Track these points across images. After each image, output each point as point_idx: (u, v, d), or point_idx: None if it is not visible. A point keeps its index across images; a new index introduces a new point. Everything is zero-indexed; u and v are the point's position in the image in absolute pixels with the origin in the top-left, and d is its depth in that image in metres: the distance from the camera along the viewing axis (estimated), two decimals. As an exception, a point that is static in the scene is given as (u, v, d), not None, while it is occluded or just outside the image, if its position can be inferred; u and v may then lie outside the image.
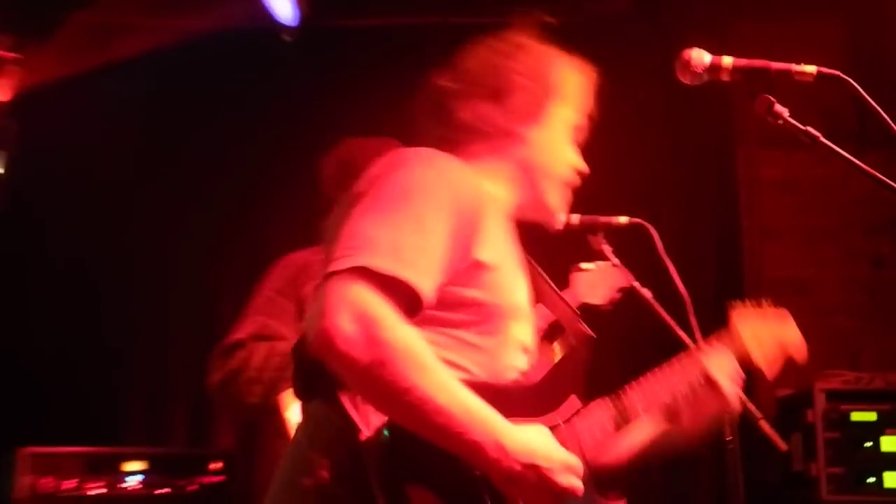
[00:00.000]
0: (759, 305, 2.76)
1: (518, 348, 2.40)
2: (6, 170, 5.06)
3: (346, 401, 2.16)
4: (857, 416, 4.58)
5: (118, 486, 4.58)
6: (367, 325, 2.06)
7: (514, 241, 2.52)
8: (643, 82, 4.77)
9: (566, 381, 2.47)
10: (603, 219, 3.11)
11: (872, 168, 2.11)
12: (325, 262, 2.17)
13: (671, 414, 2.60)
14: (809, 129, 2.17)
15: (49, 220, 5.41)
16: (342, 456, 2.15)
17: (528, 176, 2.52)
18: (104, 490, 4.55)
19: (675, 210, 4.90)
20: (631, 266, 3.13)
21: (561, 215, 2.66)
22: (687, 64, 2.30)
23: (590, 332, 2.58)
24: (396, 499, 2.11)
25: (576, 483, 2.22)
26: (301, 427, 2.33)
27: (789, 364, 2.75)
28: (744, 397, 2.92)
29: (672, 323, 2.98)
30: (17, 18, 5.10)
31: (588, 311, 3.70)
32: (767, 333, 2.73)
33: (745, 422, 2.98)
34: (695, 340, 2.87)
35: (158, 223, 5.46)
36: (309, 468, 2.17)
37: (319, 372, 2.18)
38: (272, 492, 2.32)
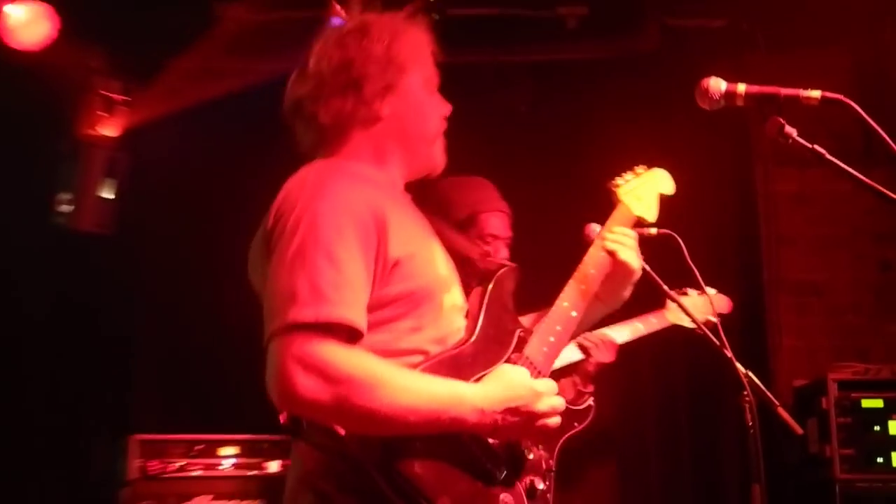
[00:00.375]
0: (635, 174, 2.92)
1: (455, 312, 2.40)
2: (116, 196, 5.19)
3: (336, 429, 2.17)
4: (866, 403, 4.63)
5: (215, 468, 4.67)
6: (318, 371, 2.07)
7: (414, 212, 2.52)
8: (672, 110, 4.77)
9: (505, 317, 2.47)
10: (637, 230, 3.02)
11: (878, 183, 2.16)
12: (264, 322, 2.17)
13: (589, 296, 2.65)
14: (816, 147, 2.24)
15: (150, 239, 5.43)
16: (343, 469, 2.18)
17: (404, 144, 2.48)
18: (202, 472, 4.65)
19: (701, 221, 4.77)
20: (661, 272, 3.04)
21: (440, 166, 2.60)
22: (705, 91, 2.35)
23: (506, 263, 2.62)
24: (404, 488, 2.12)
25: (555, 402, 2.27)
26: (291, 468, 2.35)
27: (663, 199, 2.90)
28: (763, 389, 3.12)
29: (727, 350, 2.88)
30: (126, 66, 5.23)
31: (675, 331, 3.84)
32: (642, 186, 2.86)
33: (764, 409, 3.06)
34: (720, 341, 2.87)
35: (246, 237, 5.53)
36: (307, 488, 2.24)
37: (294, 420, 2.22)
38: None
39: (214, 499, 4.68)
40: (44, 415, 5.29)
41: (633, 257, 2.69)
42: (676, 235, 2.98)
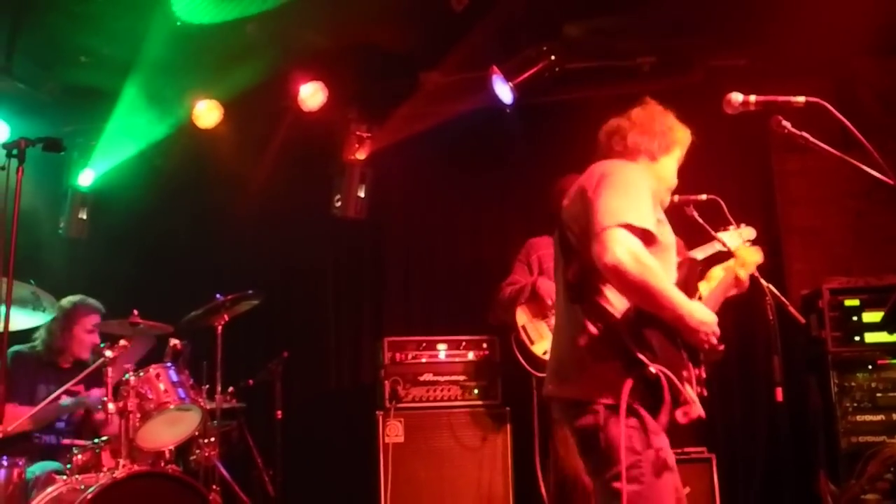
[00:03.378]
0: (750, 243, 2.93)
1: (672, 268, 2.48)
2: (366, 194, 5.40)
3: (603, 300, 2.31)
4: (848, 303, 4.65)
5: (434, 357, 4.79)
6: (636, 255, 2.20)
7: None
8: (712, 122, 4.66)
9: (693, 279, 2.55)
10: (692, 197, 3.03)
11: (852, 159, 2.29)
12: (590, 226, 2.27)
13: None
14: (804, 133, 2.34)
15: (388, 219, 5.63)
16: (603, 326, 2.30)
17: (657, 181, 2.56)
18: (426, 360, 4.77)
19: (738, 189, 4.61)
20: (709, 221, 3.07)
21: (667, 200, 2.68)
22: (729, 102, 2.41)
23: (696, 259, 2.71)
24: (639, 341, 2.23)
25: (717, 330, 2.35)
26: (576, 312, 2.37)
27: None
28: (779, 295, 3.12)
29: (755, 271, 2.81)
30: (368, 116, 5.37)
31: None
32: (748, 256, 2.77)
33: (781, 311, 3.14)
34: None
35: (451, 229, 5.58)
36: (581, 332, 2.34)
37: (583, 288, 2.35)
38: (556, 354, 2.49)
39: (434, 375, 4.74)
40: (334, 325, 5.55)
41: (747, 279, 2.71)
42: (720, 199, 3.05)
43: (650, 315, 2.26)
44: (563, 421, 2.49)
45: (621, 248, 2.21)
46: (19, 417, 3.62)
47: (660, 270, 2.26)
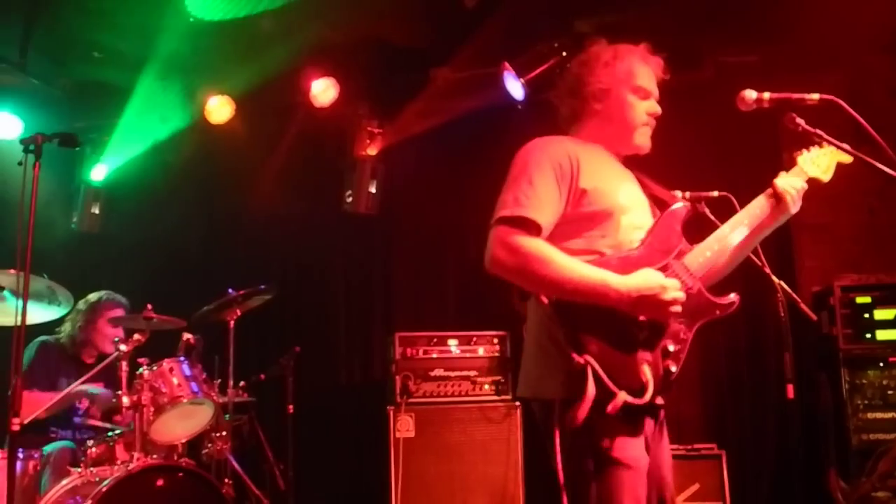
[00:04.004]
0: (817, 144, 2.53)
1: (632, 230, 2.28)
2: (377, 190, 5.44)
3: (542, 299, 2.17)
4: (859, 300, 4.61)
5: (445, 352, 4.82)
6: (508, 247, 2.12)
7: (614, 164, 2.39)
8: (723, 118, 4.43)
9: (672, 235, 2.30)
10: (704, 194, 2.86)
11: (864, 154, 2.27)
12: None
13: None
14: (818, 130, 2.31)
15: (398, 214, 5.63)
16: (540, 321, 2.22)
17: (610, 128, 2.38)
18: (437, 355, 4.80)
19: (749, 184, 4.06)
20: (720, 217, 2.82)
21: (645, 146, 2.43)
22: (742, 99, 2.33)
23: (681, 200, 2.41)
24: (571, 336, 2.10)
25: (677, 294, 2.13)
26: (529, 307, 2.31)
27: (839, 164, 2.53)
28: (791, 292, 2.98)
29: (767, 268, 2.67)
30: (379, 112, 5.42)
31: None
32: (822, 156, 2.53)
33: (792, 308, 3.03)
34: (762, 262, 2.66)
35: (462, 224, 5.32)
36: (530, 328, 2.29)
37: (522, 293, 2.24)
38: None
39: (445, 370, 4.75)
40: (345, 320, 5.56)
41: (792, 200, 2.43)
42: (732, 196, 2.85)
43: (576, 304, 2.12)
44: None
45: (496, 247, 2.16)
46: (38, 404, 3.66)
47: (547, 255, 2.12)
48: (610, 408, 2.04)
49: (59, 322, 4.25)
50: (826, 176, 2.55)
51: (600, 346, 2.09)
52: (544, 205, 2.19)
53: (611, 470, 2.11)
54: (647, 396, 2.08)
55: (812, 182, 2.51)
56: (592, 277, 2.12)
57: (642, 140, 2.43)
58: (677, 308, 2.15)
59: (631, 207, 2.32)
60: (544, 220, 2.18)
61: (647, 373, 2.11)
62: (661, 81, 2.48)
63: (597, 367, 2.06)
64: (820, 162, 2.53)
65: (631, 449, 2.15)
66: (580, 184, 2.24)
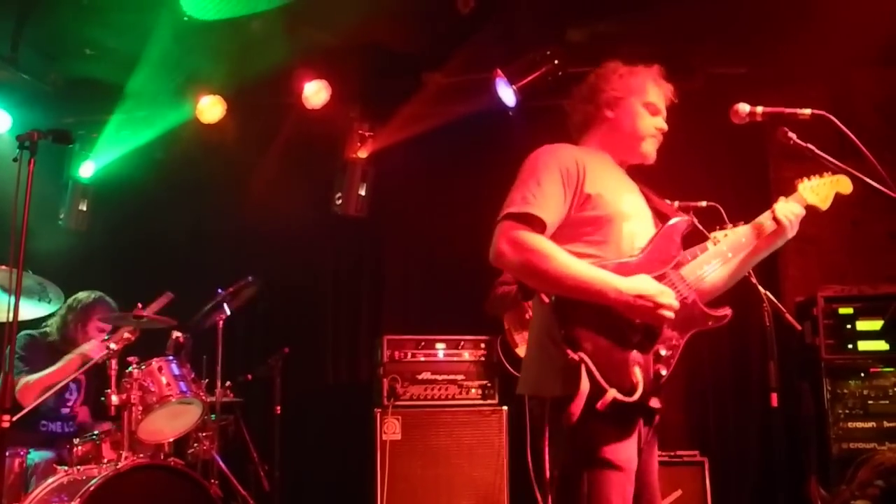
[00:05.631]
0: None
1: (633, 237, 2.34)
2: (366, 193, 5.39)
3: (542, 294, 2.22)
4: (842, 311, 4.63)
5: (432, 356, 4.80)
6: (516, 243, 2.17)
7: (619, 174, 2.46)
8: (711, 129, 4.59)
9: (671, 246, 2.36)
10: (692, 203, 3.01)
11: (849, 167, 2.36)
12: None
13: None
14: (809, 145, 2.37)
15: (388, 217, 5.63)
16: (539, 319, 2.26)
17: (619, 137, 2.46)
18: (424, 358, 4.80)
19: (736, 196, 4.20)
20: (707, 227, 2.78)
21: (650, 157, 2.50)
22: (736, 112, 2.42)
23: (682, 214, 2.45)
24: (567, 333, 2.14)
25: (671, 301, 2.19)
26: (533, 307, 2.37)
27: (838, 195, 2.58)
28: (776, 302, 3.19)
29: (753, 277, 2.80)
30: (371, 114, 5.41)
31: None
32: (822, 186, 2.59)
33: (777, 318, 3.22)
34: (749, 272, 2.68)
35: (450, 229, 5.42)
36: (533, 328, 2.36)
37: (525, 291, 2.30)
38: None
39: (433, 374, 4.75)
40: (333, 322, 5.59)
41: (791, 226, 2.49)
42: (719, 206, 3.03)
43: (576, 301, 2.17)
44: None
45: (500, 239, 2.21)
46: (34, 388, 3.70)
47: (549, 252, 2.17)
48: (600, 404, 2.08)
49: (47, 318, 4.25)
50: (825, 205, 2.60)
51: (595, 345, 2.14)
52: (550, 204, 2.25)
53: (601, 470, 2.14)
54: (637, 396, 2.13)
55: (810, 209, 2.57)
56: (593, 275, 2.18)
57: (649, 148, 2.50)
58: (670, 314, 2.20)
59: (633, 216, 2.38)
60: (549, 218, 2.24)
61: (637, 374, 2.15)
62: (669, 105, 2.56)
63: (590, 363, 2.10)
64: (820, 191, 2.59)
65: (622, 451, 2.18)
66: (585, 188, 2.31)
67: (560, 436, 2.14)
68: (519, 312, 4.46)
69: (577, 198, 2.30)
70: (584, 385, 2.08)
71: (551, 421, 2.15)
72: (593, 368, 2.11)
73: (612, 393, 2.11)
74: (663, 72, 2.55)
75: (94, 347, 4.00)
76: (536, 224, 2.22)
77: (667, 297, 2.20)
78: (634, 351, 2.19)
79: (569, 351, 2.11)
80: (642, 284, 2.21)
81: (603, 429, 2.15)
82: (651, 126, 2.49)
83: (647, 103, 2.49)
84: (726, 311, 2.38)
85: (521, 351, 4.43)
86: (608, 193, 2.34)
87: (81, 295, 4.30)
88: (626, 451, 2.20)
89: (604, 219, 2.31)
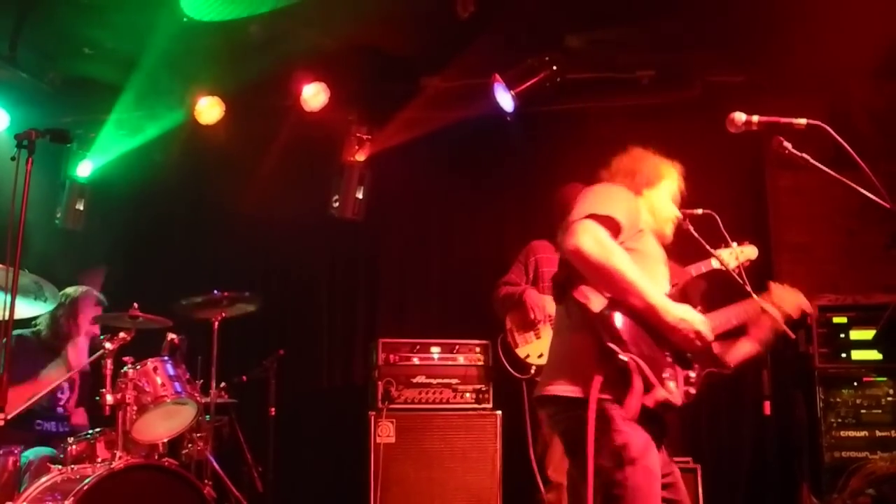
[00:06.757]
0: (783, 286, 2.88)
1: (664, 278, 2.57)
2: (364, 196, 5.40)
3: (580, 296, 2.37)
4: (836, 320, 4.68)
5: (427, 359, 4.82)
6: (598, 240, 2.29)
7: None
8: (708, 137, 4.21)
9: (694, 296, 2.65)
10: (687, 211, 2.97)
11: (844, 178, 2.37)
12: (567, 225, 2.39)
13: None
14: (804, 154, 2.40)
15: (384, 220, 5.65)
16: (580, 322, 2.36)
17: (647, 212, 2.67)
18: (419, 361, 4.77)
19: (732, 204, 4.22)
20: (704, 235, 3.00)
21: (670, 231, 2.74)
22: (732, 121, 2.44)
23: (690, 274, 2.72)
24: (612, 334, 2.27)
25: (706, 331, 2.38)
26: (560, 312, 2.52)
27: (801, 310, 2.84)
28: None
29: (748, 286, 2.86)
30: (369, 118, 5.41)
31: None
32: (787, 296, 2.86)
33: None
34: (743, 280, 2.86)
35: (447, 233, 5.60)
36: (563, 330, 2.46)
37: (565, 288, 2.44)
38: (548, 356, 2.57)
39: (427, 377, 4.75)
40: (328, 324, 5.60)
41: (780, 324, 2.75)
42: (715, 214, 3.02)
43: (626, 310, 2.30)
44: (546, 421, 2.55)
45: (584, 234, 2.31)
46: (20, 399, 3.64)
47: (627, 258, 2.33)
48: (651, 400, 2.20)
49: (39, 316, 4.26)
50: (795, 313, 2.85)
51: (640, 353, 2.28)
52: (623, 217, 2.41)
53: (642, 468, 2.27)
54: (679, 401, 2.30)
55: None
56: (654, 292, 2.35)
57: (667, 231, 2.75)
58: (703, 343, 2.39)
59: (661, 264, 2.61)
60: (625, 222, 2.41)
61: (672, 387, 2.31)
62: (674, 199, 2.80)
63: (642, 364, 2.23)
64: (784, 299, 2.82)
65: (654, 455, 2.35)
66: (640, 224, 2.52)
67: (602, 435, 2.23)
68: (522, 313, 4.46)
69: (633, 228, 2.47)
70: (638, 383, 2.19)
71: (599, 420, 2.23)
72: (645, 368, 2.22)
73: (662, 392, 2.23)
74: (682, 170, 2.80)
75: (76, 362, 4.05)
76: (614, 229, 2.36)
77: (705, 326, 2.39)
78: (669, 368, 2.34)
79: (620, 351, 2.22)
80: (688, 313, 2.39)
81: (641, 431, 2.28)
82: (670, 211, 2.76)
83: (671, 191, 2.77)
84: (729, 366, 2.63)
85: (521, 351, 4.44)
86: (650, 237, 2.59)
87: (69, 290, 4.36)
88: (656, 456, 2.36)
89: (646, 254, 2.49)
